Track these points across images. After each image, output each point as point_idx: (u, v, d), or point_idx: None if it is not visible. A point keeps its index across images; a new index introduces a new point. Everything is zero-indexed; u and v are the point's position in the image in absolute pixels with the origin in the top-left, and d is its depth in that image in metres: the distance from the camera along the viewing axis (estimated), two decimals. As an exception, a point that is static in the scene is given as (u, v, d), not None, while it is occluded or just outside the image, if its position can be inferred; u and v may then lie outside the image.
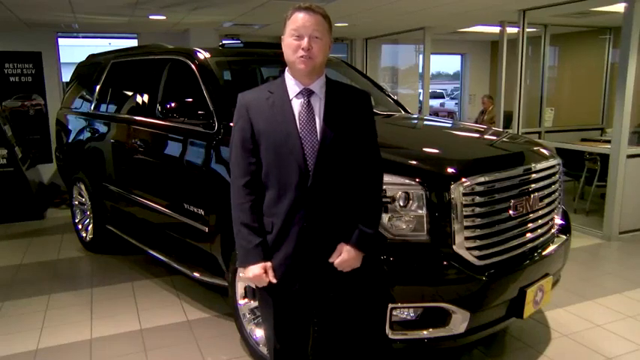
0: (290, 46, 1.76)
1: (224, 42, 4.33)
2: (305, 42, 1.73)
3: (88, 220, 4.78)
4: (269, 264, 1.81)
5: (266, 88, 1.88)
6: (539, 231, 2.69)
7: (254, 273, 1.80)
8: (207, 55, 3.42)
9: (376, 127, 1.92)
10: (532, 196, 2.61)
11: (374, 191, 1.90)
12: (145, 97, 3.89)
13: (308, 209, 1.76)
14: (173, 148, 3.42)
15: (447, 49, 10.81)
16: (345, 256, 1.81)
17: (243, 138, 1.82)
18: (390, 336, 2.32)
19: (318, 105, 1.81)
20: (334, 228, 1.81)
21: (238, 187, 1.83)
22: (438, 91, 23.43)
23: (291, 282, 1.82)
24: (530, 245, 2.63)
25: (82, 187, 4.72)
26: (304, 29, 1.73)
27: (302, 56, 1.74)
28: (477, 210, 2.37)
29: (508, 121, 6.78)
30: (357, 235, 1.83)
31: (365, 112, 1.89)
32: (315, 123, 1.78)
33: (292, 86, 1.82)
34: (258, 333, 2.77)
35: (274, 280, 1.80)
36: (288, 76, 1.84)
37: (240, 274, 2.79)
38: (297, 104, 1.80)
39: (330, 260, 1.81)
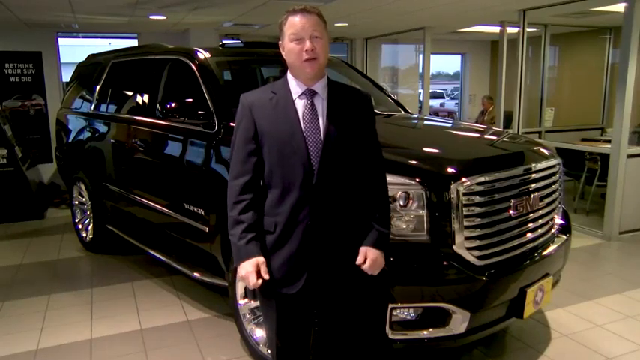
0: (293, 51, 1.76)
1: (224, 42, 4.33)
2: (307, 44, 1.73)
3: (88, 220, 4.78)
4: (262, 260, 1.78)
5: (268, 89, 1.89)
6: (540, 231, 2.69)
7: (246, 270, 1.77)
8: (207, 55, 3.42)
9: (376, 127, 1.93)
10: (532, 196, 2.61)
11: (382, 192, 1.91)
12: (145, 97, 3.89)
13: (312, 207, 1.76)
14: (173, 148, 3.42)
15: (447, 49, 10.82)
16: (374, 257, 1.83)
17: (245, 138, 1.83)
18: (390, 336, 2.33)
19: (321, 105, 1.82)
20: (338, 226, 1.82)
21: (236, 185, 1.83)
22: (438, 91, 23.44)
23: (294, 281, 1.82)
24: (530, 245, 2.63)
25: (82, 187, 4.72)
26: (303, 31, 1.74)
27: (307, 59, 1.74)
28: (477, 210, 2.37)
29: (508, 121, 6.78)
30: (376, 236, 1.86)
31: (366, 112, 1.90)
32: (318, 122, 1.79)
33: (295, 87, 1.83)
34: (258, 333, 2.77)
35: (266, 276, 1.77)
36: (290, 77, 1.85)
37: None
38: (300, 104, 1.81)
39: (358, 263, 1.83)
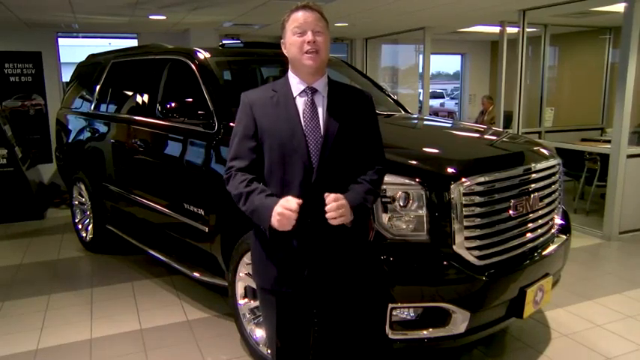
0: (295, 44, 1.78)
1: (224, 42, 4.33)
2: (309, 35, 1.75)
3: (88, 220, 4.78)
4: (289, 197, 1.70)
5: (269, 88, 1.90)
6: (539, 231, 2.69)
7: (283, 206, 1.66)
8: (207, 55, 3.42)
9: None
10: (532, 196, 2.61)
11: (377, 178, 1.88)
12: (145, 97, 3.89)
13: (312, 205, 1.76)
14: (173, 148, 3.42)
15: (447, 49, 10.82)
16: (340, 202, 1.69)
17: (245, 135, 1.84)
18: (390, 336, 2.32)
19: (322, 103, 1.82)
20: (338, 225, 1.81)
21: (236, 171, 1.82)
22: (438, 91, 23.44)
23: (294, 279, 1.82)
24: (530, 245, 2.63)
25: (82, 187, 4.72)
26: (306, 25, 1.76)
27: (308, 51, 1.75)
28: (477, 210, 2.37)
29: (508, 121, 6.78)
30: (355, 194, 1.77)
31: (367, 112, 1.90)
32: (318, 120, 1.79)
33: (296, 85, 1.83)
34: (258, 333, 2.77)
35: (299, 200, 1.68)
36: (291, 75, 1.86)
37: (240, 274, 2.80)
38: (300, 102, 1.82)
39: (327, 202, 1.69)
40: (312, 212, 1.76)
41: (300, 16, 1.77)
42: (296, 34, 1.77)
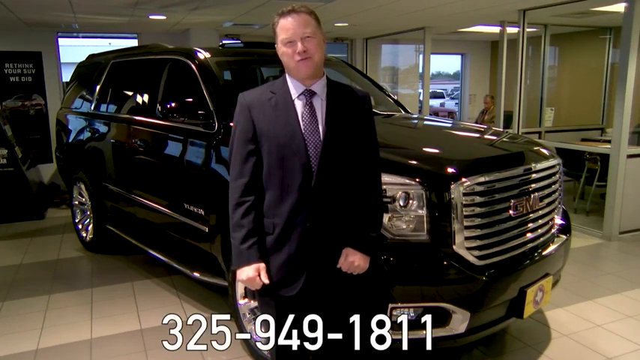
0: (286, 55, 1.77)
1: (224, 42, 4.33)
2: (299, 46, 1.73)
3: (88, 220, 4.78)
4: (263, 265, 1.80)
5: (267, 89, 1.88)
6: (540, 231, 2.69)
7: (247, 275, 1.79)
8: (207, 55, 3.42)
9: (376, 128, 1.92)
10: (532, 196, 2.61)
11: (375, 194, 1.90)
12: (145, 97, 3.89)
13: (311, 209, 1.76)
14: (173, 148, 3.42)
15: (447, 49, 10.82)
16: (354, 261, 1.82)
17: (244, 138, 1.82)
18: (390, 336, 2.32)
19: (320, 106, 1.81)
20: (337, 228, 1.81)
21: (236, 186, 1.83)
22: (438, 91, 23.46)
23: (293, 283, 1.82)
24: (530, 245, 2.63)
25: (82, 187, 4.72)
26: (294, 34, 1.73)
27: (300, 60, 1.74)
28: (477, 210, 2.37)
29: (508, 121, 6.78)
30: (362, 239, 1.84)
31: (365, 112, 1.89)
32: (317, 123, 1.78)
33: (294, 87, 1.82)
34: (258, 333, 2.76)
35: (267, 281, 1.80)
36: (289, 76, 1.84)
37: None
38: (299, 105, 1.80)
39: (338, 266, 1.82)
40: (312, 216, 1.76)
41: (287, 25, 1.74)
42: (286, 45, 1.76)
